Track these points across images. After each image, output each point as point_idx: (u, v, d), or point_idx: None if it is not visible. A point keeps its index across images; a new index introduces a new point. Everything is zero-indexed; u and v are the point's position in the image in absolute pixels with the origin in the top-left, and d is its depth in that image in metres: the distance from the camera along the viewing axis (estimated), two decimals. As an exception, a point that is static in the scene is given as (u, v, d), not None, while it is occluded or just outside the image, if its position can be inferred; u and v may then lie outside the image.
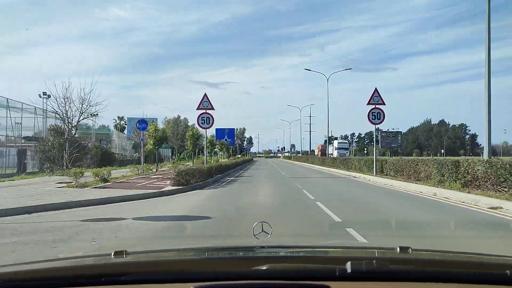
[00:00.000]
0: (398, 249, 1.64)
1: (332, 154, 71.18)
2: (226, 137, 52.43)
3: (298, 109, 71.23)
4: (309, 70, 76.41)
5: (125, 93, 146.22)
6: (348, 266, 1.37)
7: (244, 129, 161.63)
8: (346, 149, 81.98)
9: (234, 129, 58.33)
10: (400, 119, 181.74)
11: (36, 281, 1.43)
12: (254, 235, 2.13)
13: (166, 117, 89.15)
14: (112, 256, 1.63)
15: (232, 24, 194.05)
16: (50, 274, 1.49)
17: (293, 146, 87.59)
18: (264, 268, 1.40)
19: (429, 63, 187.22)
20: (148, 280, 1.41)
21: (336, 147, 79.44)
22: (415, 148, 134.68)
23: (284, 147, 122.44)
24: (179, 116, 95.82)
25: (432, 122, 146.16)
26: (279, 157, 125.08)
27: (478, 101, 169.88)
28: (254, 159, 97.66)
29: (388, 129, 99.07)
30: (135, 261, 1.72)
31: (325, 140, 69.16)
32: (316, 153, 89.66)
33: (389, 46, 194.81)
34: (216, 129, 57.66)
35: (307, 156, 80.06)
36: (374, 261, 1.41)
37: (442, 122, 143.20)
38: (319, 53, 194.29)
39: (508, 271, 1.39)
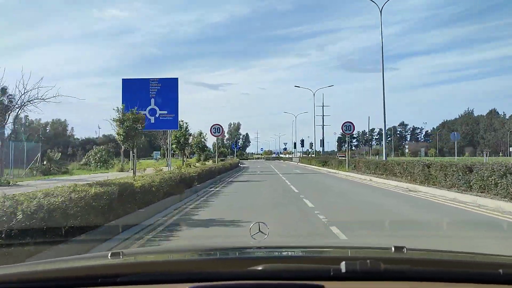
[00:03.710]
0: (393, 249, 1.65)
1: None
2: (157, 111, 20.96)
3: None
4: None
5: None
6: (343, 266, 1.38)
7: (239, 124, 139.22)
8: None
9: (175, 84, 21.58)
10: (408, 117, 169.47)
11: (31, 283, 1.45)
12: (251, 236, 2.14)
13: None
14: (109, 257, 1.66)
15: (230, 24, 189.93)
16: (45, 275, 1.50)
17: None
18: (260, 268, 1.42)
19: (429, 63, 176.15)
20: (144, 281, 1.42)
21: None
22: (466, 146, 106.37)
23: (302, 140, 71.65)
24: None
25: (476, 113, 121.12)
26: (290, 159, 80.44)
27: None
28: (246, 164, 58.98)
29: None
30: (131, 262, 1.74)
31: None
32: None
33: (389, 46, 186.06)
34: (124, 80, 21.21)
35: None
36: (369, 261, 1.41)
37: (493, 113, 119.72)
38: (318, 53, 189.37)
39: (501, 270, 1.40)
